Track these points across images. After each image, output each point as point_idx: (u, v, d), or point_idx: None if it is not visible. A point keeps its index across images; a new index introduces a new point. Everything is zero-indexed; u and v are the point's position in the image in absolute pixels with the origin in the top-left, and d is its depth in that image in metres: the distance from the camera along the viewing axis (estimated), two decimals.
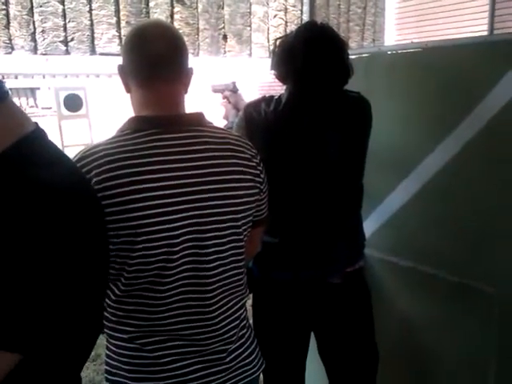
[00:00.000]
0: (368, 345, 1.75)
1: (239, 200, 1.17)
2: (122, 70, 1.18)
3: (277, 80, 1.66)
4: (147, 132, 1.10)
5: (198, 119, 1.19)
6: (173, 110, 1.16)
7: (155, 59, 1.12)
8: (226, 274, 1.19)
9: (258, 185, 1.24)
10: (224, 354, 1.19)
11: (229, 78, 2.04)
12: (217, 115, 1.87)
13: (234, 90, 1.98)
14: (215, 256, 1.15)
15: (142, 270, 1.08)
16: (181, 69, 1.17)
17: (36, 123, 0.80)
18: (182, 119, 1.17)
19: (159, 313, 1.11)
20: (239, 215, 1.18)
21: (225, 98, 1.99)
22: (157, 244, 1.06)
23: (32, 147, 0.74)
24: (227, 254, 1.18)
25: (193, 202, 1.10)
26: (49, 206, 0.67)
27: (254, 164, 1.23)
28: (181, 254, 1.10)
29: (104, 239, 0.84)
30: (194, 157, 1.12)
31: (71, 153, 0.86)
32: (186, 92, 1.21)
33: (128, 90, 1.20)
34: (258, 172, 1.25)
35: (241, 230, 1.20)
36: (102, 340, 2.71)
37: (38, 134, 0.78)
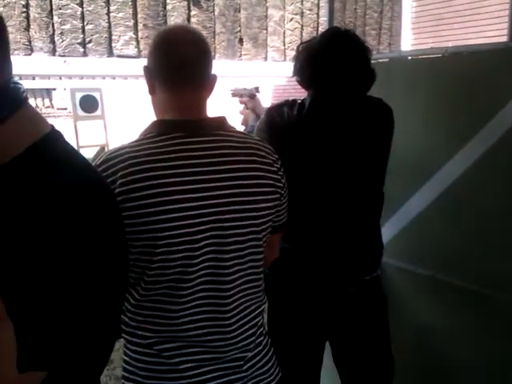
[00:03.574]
0: (384, 353, 1.73)
1: (260, 205, 1.16)
2: (148, 72, 1.17)
3: (298, 85, 1.65)
4: (171, 135, 1.10)
5: (220, 123, 1.19)
6: (196, 115, 1.16)
7: (183, 63, 1.12)
8: (244, 279, 1.18)
9: (279, 190, 1.23)
10: (242, 362, 1.18)
11: (250, 83, 2.04)
12: (234, 120, 1.87)
13: (252, 96, 1.97)
14: (235, 261, 1.14)
15: (162, 274, 1.08)
16: (206, 74, 1.17)
17: (52, 125, 0.81)
18: (206, 123, 1.17)
19: (178, 318, 1.10)
20: (259, 220, 1.17)
21: (243, 103, 1.99)
22: (178, 248, 1.06)
23: (48, 148, 0.75)
24: (246, 259, 1.17)
25: (215, 207, 1.10)
26: (67, 205, 0.67)
27: (275, 169, 1.23)
28: (201, 259, 1.09)
29: (122, 236, 0.83)
30: (216, 161, 1.12)
31: (87, 153, 0.86)
32: (208, 97, 1.21)
33: (152, 92, 1.19)
34: (279, 177, 1.24)
35: (260, 235, 1.19)
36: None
37: (53, 136, 0.78)
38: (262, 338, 1.25)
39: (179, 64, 1.12)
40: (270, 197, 1.19)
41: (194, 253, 1.07)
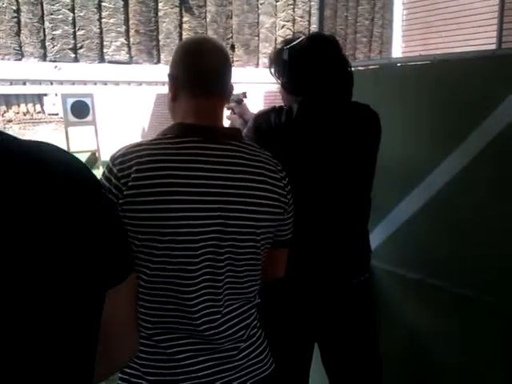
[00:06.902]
0: (371, 355, 1.74)
1: (261, 216, 1.23)
2: (174, 80, 1.26)
3: (283, 90, 1.67)
4: (189, 139, 1.17)
5: (235, 134, 1.28)
6: (214, 122, 1.25)
7: (210, 73, 1.22)
8: (237, 279, 1.23)
9: (283, 205, 1.30)
10: (235, 352, 1.24)
11: (240, 89, 2.03)
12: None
13: (239, 101, 1.97)
14: (227, 262, 1.20)
15: (165, 268, 1.14)
16: (227, 83, 1.27)
17: None
18: (222, 131, 1.25)
19: (180, 311, 1.16)
20: (259, 230, 1.24)
21: (229, 109, 1.99)
22: (179, 246, 1.13)
23: None
24: (243, 262, 1.23)
25: (219, 211, 1.16)
26: None
27: (282, 185, 1.30)
28: (202, 258, 1.15)
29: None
30: (227, 169, 1.18)
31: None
32: (224, 105, 1.31)
33: (174, 99, 1.27)
34: (285, 193, 1.31)
35: (259, 244, 1.26)
36: None
37: None
38: (255, 330, 1.32)
39: (204, 74, 1.21)
40: (273, 210, 1.25)
41: (195, 252, 1.14)
